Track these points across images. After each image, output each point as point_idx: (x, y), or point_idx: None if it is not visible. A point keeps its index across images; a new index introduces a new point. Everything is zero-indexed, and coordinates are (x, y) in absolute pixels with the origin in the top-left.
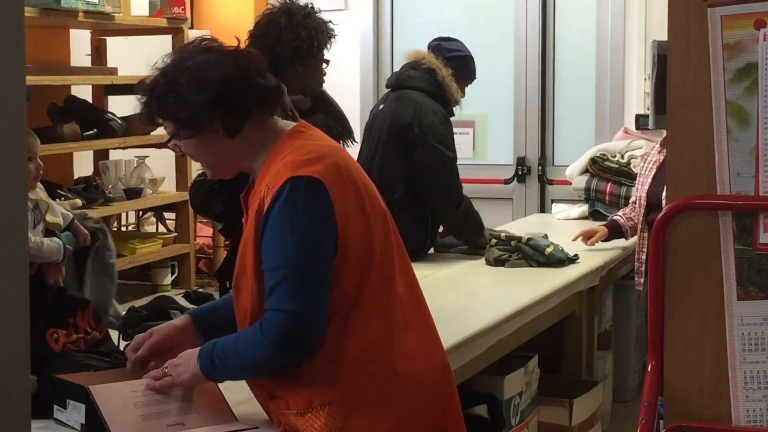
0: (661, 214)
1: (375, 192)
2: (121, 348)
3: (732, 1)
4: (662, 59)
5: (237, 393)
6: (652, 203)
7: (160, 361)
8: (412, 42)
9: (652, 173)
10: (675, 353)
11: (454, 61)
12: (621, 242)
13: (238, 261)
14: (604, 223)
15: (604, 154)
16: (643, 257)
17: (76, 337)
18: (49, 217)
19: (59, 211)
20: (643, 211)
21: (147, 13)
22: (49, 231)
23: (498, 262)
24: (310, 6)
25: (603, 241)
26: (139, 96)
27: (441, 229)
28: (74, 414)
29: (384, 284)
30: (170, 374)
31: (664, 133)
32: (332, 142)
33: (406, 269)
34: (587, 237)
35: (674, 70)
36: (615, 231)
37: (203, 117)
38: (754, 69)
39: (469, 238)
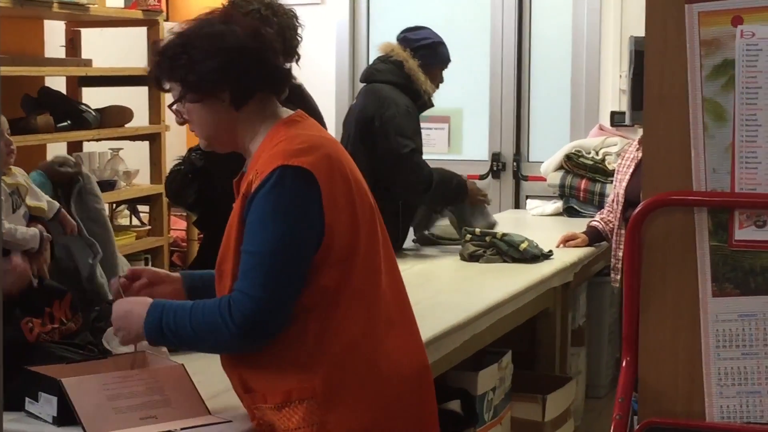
0: (636, 210)
1: (365, 186)
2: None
3: None
4: (639, 55)
5: (210, 386)
6: (630, 200)
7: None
8: (388, 37)
9: (631, 170)
10: (650, 349)
11: (423, 50)
12: None
13: (222, 245)
14: (583, 230)
15: (579, 151)
16: (620, 254)
17: (51, 328)
18: (30, 201)
19: (43, 197)
20: (620, 208)
21: (122, 5)
22: (33, 217)
23: (473, 258)
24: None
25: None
26: (151, 56)
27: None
28: (46, 406)
29: (368, 280)
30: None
31: (641, 130)
32: (326, 133)
33: (391, 267)
34: (566, 241)
35: (651, 66)
36: (595, 237)
37: (213, 82)
38: (731, 66)
39: (458, 200)
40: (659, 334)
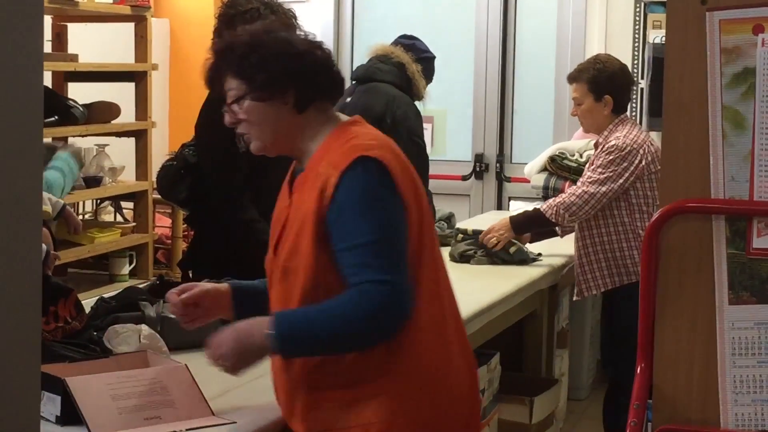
0: (654, 217)
1: (422, 187)
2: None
3: (731, 5)
4: (657, 62)
5: (212, 386)
6: None
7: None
8: (372, 36)
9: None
10: (665, 356)
11: (424, 61)
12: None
13: (290, 242)
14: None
15: (563, 153)
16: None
17: (55, 326)
18: None
19: (45, 198)
20: None
21: (111, 0)
22: None
23: (463, 258)
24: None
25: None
26: (211, 53)
27: None
28: (49, 405)
29: (433, 279)
30: (215, 360)
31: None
32: (386, 136)
33: (444, 268)
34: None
35: (671, 73)
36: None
37: (281, 83)
38: (751, 74)
39: None
40: (675, 341)
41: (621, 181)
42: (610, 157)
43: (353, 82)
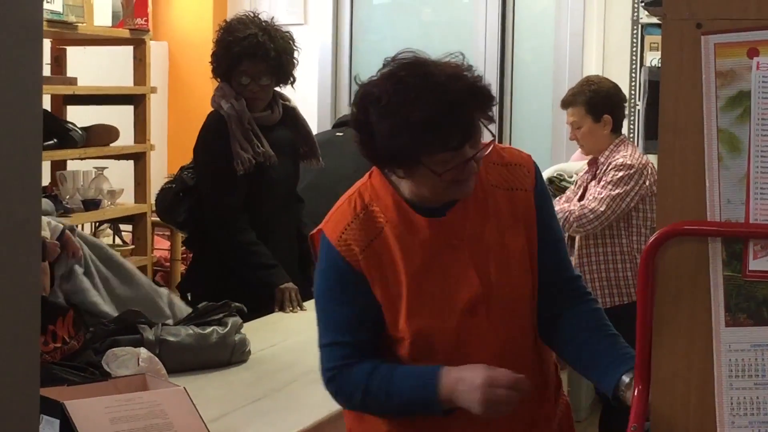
0: (650, 240)
1: None
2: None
3: (726, 29)
4: (653, 85)
5: (212, 409)
6: None
7: None
8: (370, 59)
9: (579, 193)
10: (662, 378)
11: None
12: None
13: (498, 247)
14: None
15: (560, 174)
16: None
17: (54, 347)
18: None
19: (44, 222)
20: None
21: (110, 24)
22: None
23: None
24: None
25: None
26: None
27: None
28: (48, 429)
29: None
30: None
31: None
32: None
33: None
34: None
35: (666, 96)
36: None
37: None
38: (746, 97)
39: None
40: (672, 363)
41: (628, 199)
42: (620, 174)
43: (337, 125)
